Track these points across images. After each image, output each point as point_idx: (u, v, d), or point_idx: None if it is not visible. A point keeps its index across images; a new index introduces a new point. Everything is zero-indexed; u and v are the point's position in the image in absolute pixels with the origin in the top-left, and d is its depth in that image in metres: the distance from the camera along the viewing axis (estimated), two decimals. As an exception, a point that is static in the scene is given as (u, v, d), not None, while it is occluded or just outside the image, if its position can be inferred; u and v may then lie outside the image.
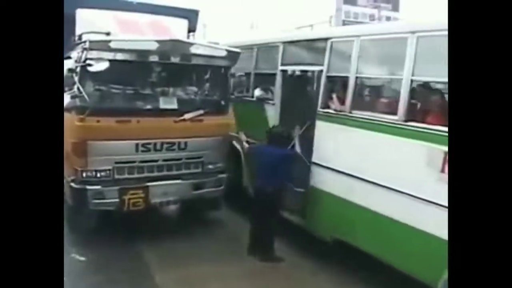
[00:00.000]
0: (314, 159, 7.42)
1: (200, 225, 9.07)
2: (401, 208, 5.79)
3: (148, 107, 7.73)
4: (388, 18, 46.15)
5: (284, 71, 8.54)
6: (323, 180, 7.29)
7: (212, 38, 13.42)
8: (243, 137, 8.21)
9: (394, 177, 5.94)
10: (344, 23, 44.85)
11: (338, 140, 6.93)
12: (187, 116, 7.98)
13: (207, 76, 8.52)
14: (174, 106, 7.94)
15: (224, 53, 8.22)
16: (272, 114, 8.53)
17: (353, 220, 6.74)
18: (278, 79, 8.59)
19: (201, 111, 8.07)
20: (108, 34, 7.61)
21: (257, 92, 8.84)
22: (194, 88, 8.51)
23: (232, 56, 8.29)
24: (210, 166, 8.42)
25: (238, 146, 9.26)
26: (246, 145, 8.13)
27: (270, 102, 8.64)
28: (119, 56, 7.24)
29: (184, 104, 8.13)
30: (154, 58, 7.55)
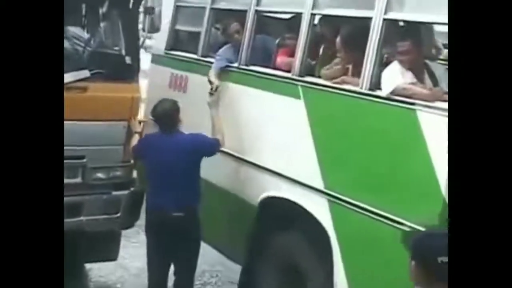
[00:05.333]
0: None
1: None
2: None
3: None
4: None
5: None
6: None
7: None
8: (136, 125, 5.71)
9: None
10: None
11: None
12: (58, 79, 5.33)
13: (104, 9, 5.99)
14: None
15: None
16: None
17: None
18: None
19: (86, 73, 5.49)
20: None
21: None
22: (79, 30, 6.03)
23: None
24: (99, 175, 5.67)
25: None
26: (135, 138, 5.65)
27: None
28: None
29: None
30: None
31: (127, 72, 5.70)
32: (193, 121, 5.50)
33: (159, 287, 5.29)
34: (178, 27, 6.74)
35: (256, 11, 5.53)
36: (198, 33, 6.33)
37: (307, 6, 4.89)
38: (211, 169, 5.42)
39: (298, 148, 4.85)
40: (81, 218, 5.48)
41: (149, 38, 6.62)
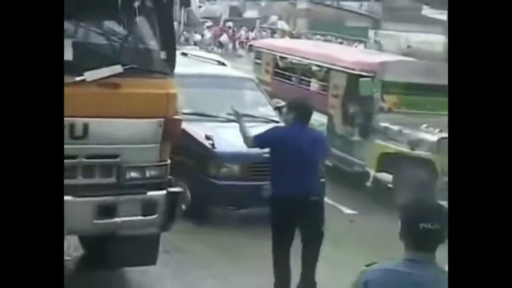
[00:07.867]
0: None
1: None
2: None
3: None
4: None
5: None
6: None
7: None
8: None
9: None
10: None
11: None
12: (89, 75, 5.22)
13: (138, 2, 5.76)
14: (68, 56, 5.13)
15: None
16: None
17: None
18: None
19: (119, 68, 5.32)
20: None
21: None
22: (113, 24, 5.86)
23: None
24: (134, 174, 5.54)
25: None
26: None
27: None
28: None
29: (87, 53, 5.56)
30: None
31: (162, 68, 5.57)
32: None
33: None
34: None
35: None
36: None
37: None
38: None
39: None
40: (116, 219, 5.38)
41: (188, 32, 6.42)
